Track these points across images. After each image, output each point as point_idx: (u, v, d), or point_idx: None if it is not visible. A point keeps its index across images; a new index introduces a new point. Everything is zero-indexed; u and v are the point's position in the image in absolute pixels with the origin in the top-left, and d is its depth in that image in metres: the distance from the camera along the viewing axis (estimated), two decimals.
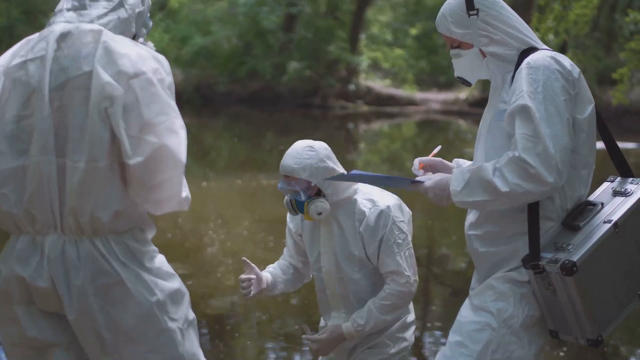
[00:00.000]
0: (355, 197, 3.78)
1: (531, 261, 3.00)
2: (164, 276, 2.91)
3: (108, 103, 2.72)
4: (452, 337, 3.15)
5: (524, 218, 3.06)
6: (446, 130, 23.11)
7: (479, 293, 3.17)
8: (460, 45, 3.28)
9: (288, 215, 4.00)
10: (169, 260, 3.02)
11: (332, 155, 3.75)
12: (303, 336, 3.90)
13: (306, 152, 3.68)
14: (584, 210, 3.09)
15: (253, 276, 3.90)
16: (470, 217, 3.26)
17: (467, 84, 3.40)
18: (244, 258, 3.94)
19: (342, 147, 19.06)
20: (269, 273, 4.03)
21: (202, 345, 3.05)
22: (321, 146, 3.73)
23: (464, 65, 3.31)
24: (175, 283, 2.94)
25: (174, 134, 2.79)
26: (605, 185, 3.22)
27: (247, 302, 7.63)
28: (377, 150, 19.67)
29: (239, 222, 11.17)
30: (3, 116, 2.84)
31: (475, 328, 3.09)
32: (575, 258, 2.93)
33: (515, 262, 3.11)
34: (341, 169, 3.73)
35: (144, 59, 2.83)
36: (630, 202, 3.07)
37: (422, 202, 13.47)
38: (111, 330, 2.81)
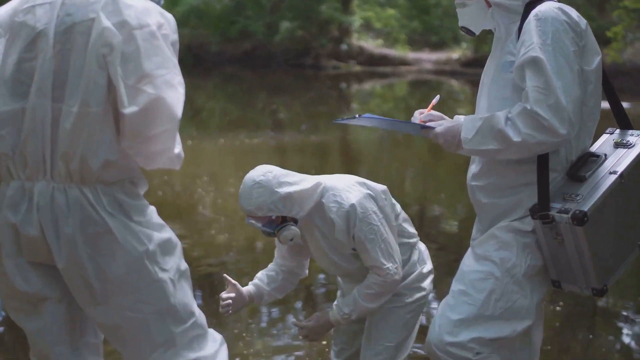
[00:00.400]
0: (322, 200, 3.76)
1: (540, 211, 3.02)
2: (154, 227, 2.89)
3: (107, 50, 2.70)
4: (455, 285, 3.18)
5: (528, 169, 3.07)
6: (438, 90, 23.01)
7: (482, 242, 3.19)
8: None
9: None
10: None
11: (282, 176, 3.69)
12: (292, 321, 3.94)
13: (255, 190, 3.64)
14: (587, 161, 3.11)
15: (232, 294, 3.92)
16: (473, 168, 3.26)
17: (471, 34, 3.37)
18: (224, 275, 3.96)
19: (335, 107, 19.05)
20: (253, 285, 4.04)
21: None
22: (269, 177, 3.66)
23: (468, 14, 3.29)
24: (166, 233, 2.92)
25: (172, 89, 2.77)
26: (605, 137, 3.23)
27: (239, 262, 7.66)
28: (369, 110, 19.62)
29: (230, 181, 11.17)
30: (6, 59, 2.83)
31: (479, 277, 3.12)
32: (585, 208, 2.95)
33: (519, 213, 3.12)
34: (298, 186, 3.69)
35: (150, 13, 2.80)
36: (633, 153, 3.09)
37: (415, 160, 13.50)
38: (100, 280, 2.80)
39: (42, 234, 2.80)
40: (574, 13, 3.07)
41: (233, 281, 3.93)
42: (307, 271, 4.11)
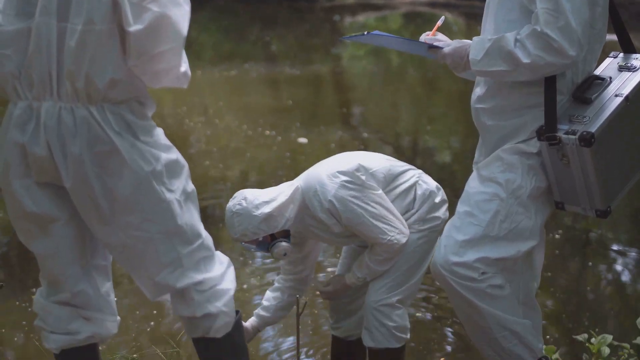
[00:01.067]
0: (306, 202, 3.85)
1: (547, 132, 3.04)
2: (161, 147, 2.91)
3: None
4: (461, 207, 3.22)
5: (534, 91, 3.09)
6: (432, 22, 22.85)
7: (487, 164, 3.22)
8: None
9: None
10: None
11: (257, 199, 3.78)
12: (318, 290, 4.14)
13: (235, 220, 3.74)
14: (593, 84, 3.13)
15: None
16: (478, 90, 3.27)
17: None
18: None
19: (328, 40, 18.90)
20: (256, 317, 4.20)
21: None
22: (243, 204, 3.75)
23: None
24: (173, 155, 2.94)
25: (178, 6, 2.76)
26: (609, 60, 3.25)
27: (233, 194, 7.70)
28: (362, 44, 19.51)
29: (224, 113, 11.14)
30: None
31: (484, 198, 3.16)
32: (593, 129, 2.99)
33: (524, 135, 3.15)
34: (275, 202, 3.78)
35: None
36: (638, 76, 3.12)
37: (408, 92, 13.47)
38: (107, 199, 2.82)
39: (49, 153, 2.80)
40: None
41: None
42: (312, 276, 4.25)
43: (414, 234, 3.90)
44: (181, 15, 2.78)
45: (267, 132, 9.87)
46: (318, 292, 4.22)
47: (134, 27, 2.69)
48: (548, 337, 5.06)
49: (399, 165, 4.00)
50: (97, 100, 2.78)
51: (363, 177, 3.80)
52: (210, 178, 8.22)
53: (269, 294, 4.25)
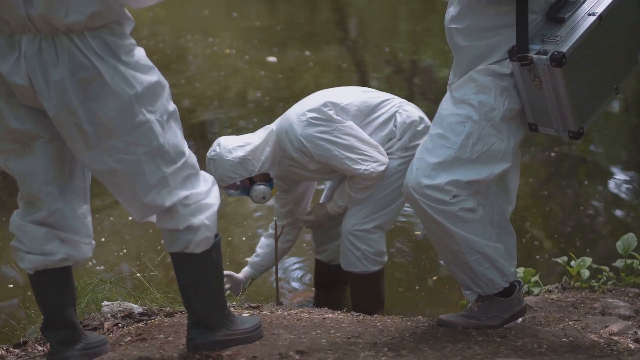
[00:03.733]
0: (280, 144, 3.90)
1: (518, 52, 3.01)
2: (143, 69, 2.89)
3: None
4: (433, 129, 3.19)
5: (507, 10, 3.04)
6: None
7: (460, 86, 3.18)
8: None
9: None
10: None
11: (230, 144, 3.88)
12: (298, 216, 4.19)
13: (212, 166, 3.89)
14: (566, 3, 3.08)
15: (228, 285, 4.17)
16: (452, 10, 3.21)
17: None
18: None
19: None
20: (249, 266, 4.30)
21: None
22: (217, 150, 3.88)
23: None
24: (154, 76, 2.92)
25: None
26: None
27: (230, 113, 7.69)
28: None
29: (221, 31, 11.06)
30: None
31: (457, 120, 3.13)
32: (564, 49, 2.96)
33: (497, 56, 3.11)
34: (249, 145, 3.89)
35: None
36: None
37: (406, 11, 13.31)
38: (92, 124, 2.82)
39: (30, 83, 2.80)
40: None
41: (226, 272, 4.07)
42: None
43: (394, 160, 3.90)
44: None
45: (264, 54, 9.80)
46: (300, 219, 4.26)
47: None
48: (538, 257, 5.08)
49: (376, 96, 3.99)
50: (78, 29, 2.77)
51: (331, 112, 3.81)
52: (208, 96, 8.20)
53: (263, 240, 4.31)
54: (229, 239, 5.32)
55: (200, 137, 7.20)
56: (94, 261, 4.91)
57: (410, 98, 4.98)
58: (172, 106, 2.99)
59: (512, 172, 3.37)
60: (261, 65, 9.31)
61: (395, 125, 3.92)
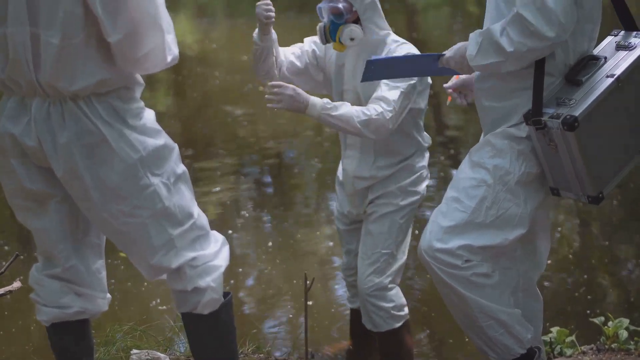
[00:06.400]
0: (387, 39, 3.78)
1: (533, 116, 2.96)
2: (149, 133, 2.92)
3: None
4: (449, 192, 3.15)
5: (527, 73, 2.99)
6: None
7: (477, 149, 3.15)
8: None
9: (315, 41, 3.98)
10: None
11: None
12: (268, 84, 3.71)
13: None
14: (587, 64, 3.02)
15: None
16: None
17: None
18: None
19: None
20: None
21: None
22: None
23: None
24: (161, 139, 2.95)
25: (150, 3, 2.76)
26: (609, 39, 3.12)
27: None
28: None
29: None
30: None
31: (472, 184, 3.08)
32: (577, 113, 2.89)
33: (515, 118, 3.06)
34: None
35: None
36: (633, 56, 2.99)
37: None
38: (98, 189, 2.86)
39: (40, 145, 2.86)
40: None
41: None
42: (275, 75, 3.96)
43: (395, 213, 3.85)
44: (155, 9, 2.78)
45: None
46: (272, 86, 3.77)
47: (114, 38, 2.72)
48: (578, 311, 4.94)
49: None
50: (84, 95, 2.82)
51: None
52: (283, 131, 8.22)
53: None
54: None
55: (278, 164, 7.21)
56: (132, 308, 4.94)
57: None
58: (180, 168, 3.01)
59: (542, 236, 3.31)
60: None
61: (415, 160, 3.94)
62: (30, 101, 2.85)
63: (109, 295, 3.23)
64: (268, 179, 7.16)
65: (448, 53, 3.14)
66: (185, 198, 3.01)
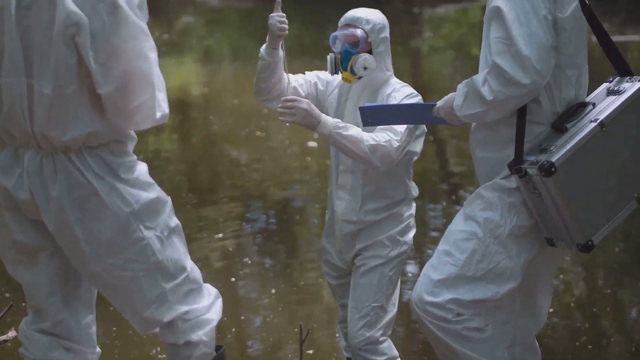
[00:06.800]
0: (390, 79, 3.80)
1: (515, 165, 2.95)
2: (142, 186, 2.94)
3: (74, 30, 2.72)
4: (441, 245, 3.14)
5: (515, 123, 2.99)
6: None
7: (469, 202, 3.14)
8: None
9: (321, 73, 3.97)
10: None
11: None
12: (282, 98, 3.67)
13: (373, 11, 3.75)
14: (576, 111, 3.01)
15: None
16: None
17: None
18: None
19: (406, 33, 18.73)
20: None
21: None
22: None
23: None
24: (154, 192, 2.98)
25: (144, 58, 2.81)
26: (604, 85, 3.12)
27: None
28: (443, 36, 19.33)
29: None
30: None
31: (462, 237, 3.07)
32: (554, 158, 2.87)
33: (506, 170, 3.04)
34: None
35: None
36: (620, 100, 2.98)
37: None
38: (90, 243, 2.88)
39: (32, 197, 2.88)
40: None
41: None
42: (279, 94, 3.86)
43: (385, 265, 3.84)
44: (149, 67, 2.82)
45: None
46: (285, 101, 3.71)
47: (105, 89, 2.76)
48: None
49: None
50: (76, 148, 2.85)
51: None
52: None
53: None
54: None
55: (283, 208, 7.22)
56: (132, 356, 4.92)
57: None
58: (174, 222, 3.03)
59: (542, 290, 3.29)
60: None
61: (403, 209, 3.90)
62: (23, 153, 2.87)
63: (98, 350, 3.22)
64: (272, 225, 7.15)
65: (439, 103, 3.15)
66: (179, 251, 3.03)
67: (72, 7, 2.71)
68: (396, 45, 16.52)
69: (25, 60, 2.77)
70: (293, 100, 3.61)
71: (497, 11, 2.88)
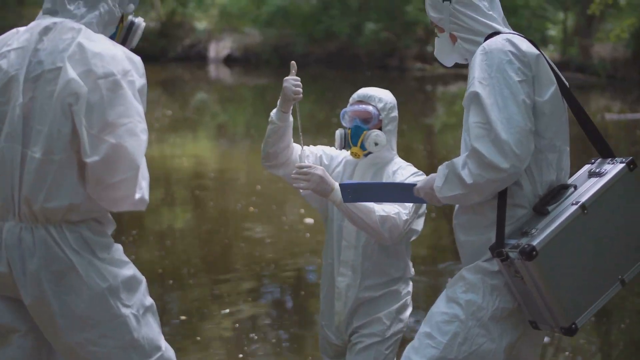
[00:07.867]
0: (395, 158, 3.86)
1: (496, 248, 2.94)
2: (118, 264, 2.96)
3: (73, 99, 2.79)
4: (423, 327, 3.10)
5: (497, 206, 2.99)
6: None
7: (452, 284, 3.11)
8: (436, 27, 3.25)
9: (326, 148, 4.02)
10: None
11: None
12: (296, 165, 3.67)
13: (385, 91, 3.85)
14: (557, 194, 3.00)
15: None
16: (456, 205, 3.19)
17: (443, 64, 3.38)
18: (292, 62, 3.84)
19: (420, 110, 18.91)
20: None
21: None
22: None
23: (438, 46, 3.29)
24: (130, 271, 2.99)
25: (134, 137, 2.84)
26: (586, 167, 3.12)
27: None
28: (455, 113, 19.52)
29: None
30: None
31: (444, 319, 3.04)
32: (535, 242, 2.85)
33: (489, 253, 3.02)
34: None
35: (117, 61, 2.87)
36: (601, 182, 2.97)
37: None
38: (65, 317, 2.87)
39: (9, 270, 2.88)
40: (523, 44, 3.01)
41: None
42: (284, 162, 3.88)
43: (381, 344, 3.82)
44: (137, 146, 2.85)
45: None
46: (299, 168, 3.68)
47: (91, 158, 2.79)
48: None
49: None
50: (56, 221, 2.87)
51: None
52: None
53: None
54: None
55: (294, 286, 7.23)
56: None
57: None
58: (148, 300, 3.04)
59: None
60: None
61: (401, 287, 3.91)
62: (2, 226, 2.89)
63: None
64: (287, 298, 7.14)
65: (419, 184, 3.17)
66: (154, 330, 3.02)
67: (73, 75, 2.79)
68: (409, 122, 16.75)
69: (24, 129, 2.83)
70: (309, 167, 3.64)
71: (476, 96, 2.91)
